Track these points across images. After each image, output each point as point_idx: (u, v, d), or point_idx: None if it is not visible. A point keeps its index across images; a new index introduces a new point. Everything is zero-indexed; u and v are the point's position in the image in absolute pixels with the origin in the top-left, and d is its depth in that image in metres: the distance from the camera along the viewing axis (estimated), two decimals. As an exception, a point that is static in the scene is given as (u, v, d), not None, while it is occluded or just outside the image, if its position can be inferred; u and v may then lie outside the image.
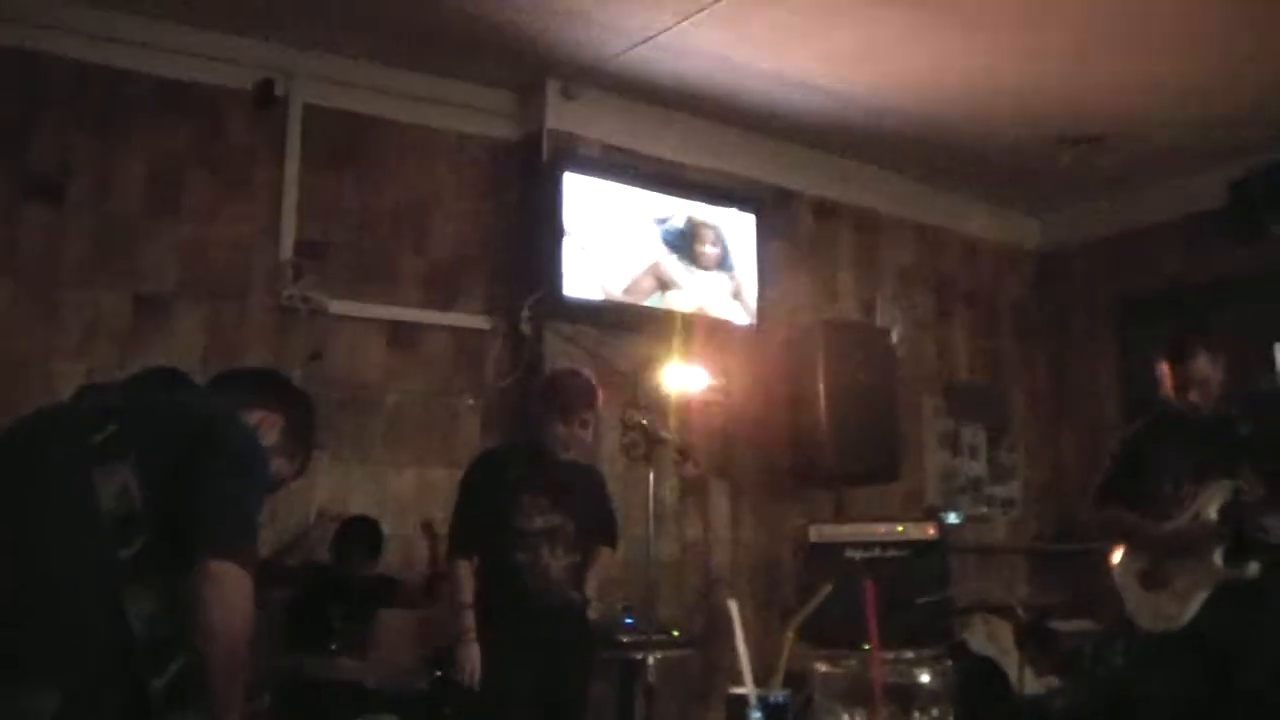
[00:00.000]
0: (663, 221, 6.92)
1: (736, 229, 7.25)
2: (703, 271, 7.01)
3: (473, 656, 4.83)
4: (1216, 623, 4.73)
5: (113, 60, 5.92)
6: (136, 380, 2.76)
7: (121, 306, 5.79)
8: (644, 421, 5.31)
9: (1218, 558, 4.76)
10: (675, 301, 6.83)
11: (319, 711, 4.86)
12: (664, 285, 6.83)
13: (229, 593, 2.31)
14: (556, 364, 6.58)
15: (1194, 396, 4.98)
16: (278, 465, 2.79)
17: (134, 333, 5.80)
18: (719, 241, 7.11)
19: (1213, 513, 4.82)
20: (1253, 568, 4.72)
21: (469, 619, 4.85)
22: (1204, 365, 4.99)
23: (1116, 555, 5.15)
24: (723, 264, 7.11)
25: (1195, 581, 4.80)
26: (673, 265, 6.89)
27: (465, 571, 4.91)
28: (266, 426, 2.76)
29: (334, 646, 5.32)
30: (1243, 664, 4.67)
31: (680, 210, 7.01)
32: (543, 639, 4.89)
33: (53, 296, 5.64)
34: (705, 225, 7.07)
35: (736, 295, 7.17)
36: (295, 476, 2.93)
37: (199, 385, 2.78)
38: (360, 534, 5.77)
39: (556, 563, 4.99)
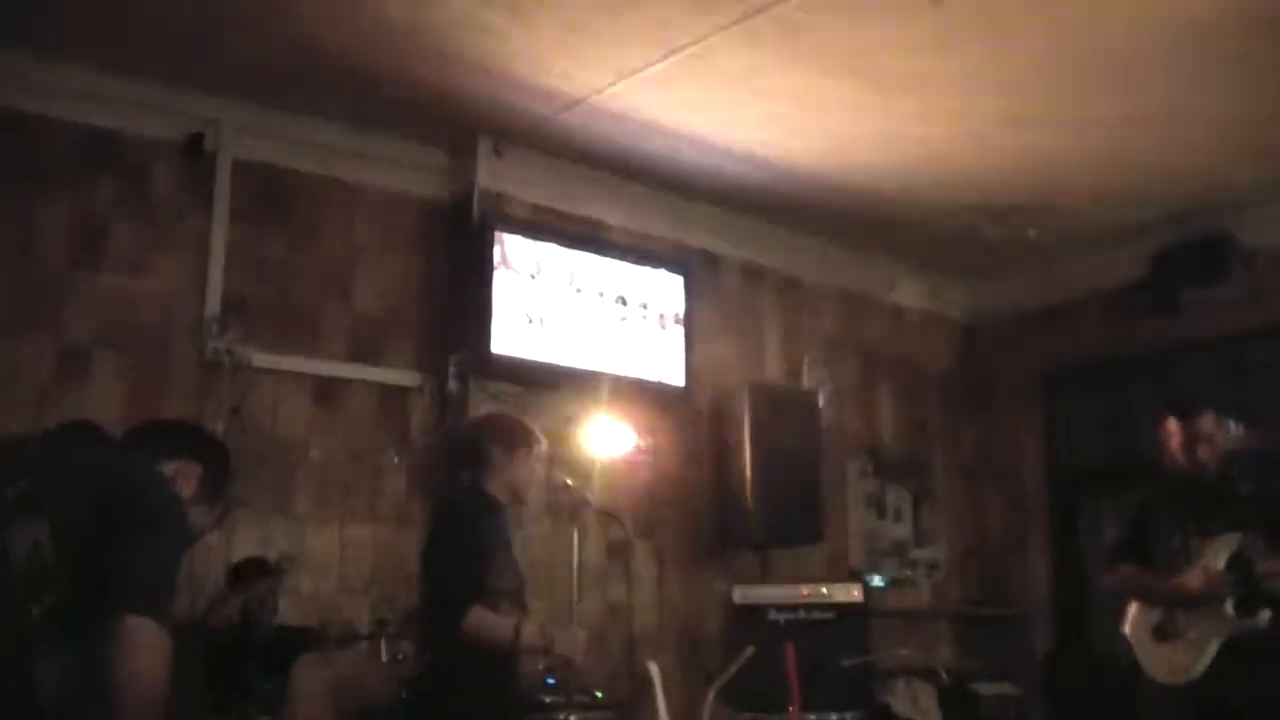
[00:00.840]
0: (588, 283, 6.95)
1: (663, 291, 7.28)
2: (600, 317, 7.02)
3: (580, 636, 4.66)
4: (1229, 673, 4.79)
5: (34, 108, 5.85)
6: (51, 435, 2.72)
7: (42, 357, 5.70)
8: (570, 482, 5.28)
9: (1229, 608, 4.83)
10: (600, 361, 6.83)
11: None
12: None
13: (141, 649, 2.27)
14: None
15: (1201, 454, 5.09)
16: (196, 515, 2.76)
17: (54, 384, 5.70)
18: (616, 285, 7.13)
19: (1221, 563, 4.90)
20: (1264, 616, 4.78)
21: (529, 627, 4.53)
22: (1210, 423, 5.11)
23: (1130, 612, 5.22)
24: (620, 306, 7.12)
25: (1207, 632, 4.87)
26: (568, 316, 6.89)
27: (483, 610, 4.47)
28: (183, 478, 2.73)
29: (253, 709, 5.22)
30: (1252, 716, 4.75)
31: (607, 271, 7.04)
32: (515, 705, 4.77)
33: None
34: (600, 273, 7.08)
35: (663, 356, 7.18)
36: (214, 527, 2.90)
37: (114, 438, 2.74)
38: (252, 563, 5.66)
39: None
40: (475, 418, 5.06)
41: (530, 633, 4.48)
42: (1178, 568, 5.01)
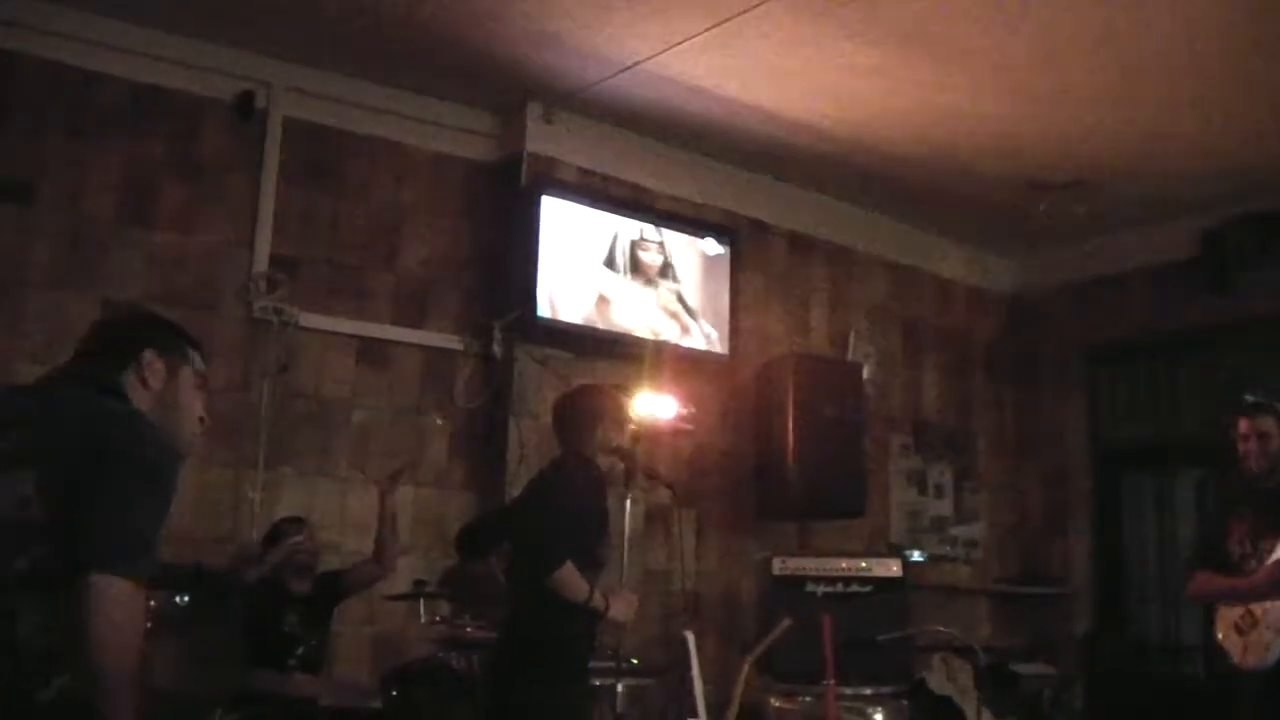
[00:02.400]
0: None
1: (710, 259, 7.26)
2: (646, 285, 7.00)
3: (633, 601, 4.75)
4: None
5: (88, 63, 5.89)
6: (48, 381, 2.70)
7: (88, 312, 5.70)
8: (620, 446, 5.26)
9: None
10: (645, 328, 6.82)
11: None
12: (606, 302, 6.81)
13: (114, 609, 2.22)
14: (527, 387, 6.58)
15: (1267, 452, 5.21)
16: (185, 379, 2.72)
17: (100, 340, 5.74)
18: (661, 252, 7.11)
19: None
20: None
21: (598, 594, 4.61)
22: (1271, 423, 5.24)
23: (1219, 619, 5.31)
24: (665, 274, 7.10)
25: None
26: (615, 283, 6.88)
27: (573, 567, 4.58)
28: (150, 373, 2.68)
29: (293, 662, 5.27)
30: None
31: (654, 238, 7.03)
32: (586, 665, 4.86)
33: (18, 298, 5.59)
34: (646, 240, 7.06)
35: (707, 324, 7.17)
36: (203, 386, 2.82)
37: (109, 384, 2.67)
38: (288, 520, 5.70)
39: None
40: (585, 387, 5.13)
41: (597, 597, 4.58)
42: (1248, 567, 5.12)
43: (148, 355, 2.67)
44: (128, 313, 2.81)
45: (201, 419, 2.76)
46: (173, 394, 2.69)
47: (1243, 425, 5.26)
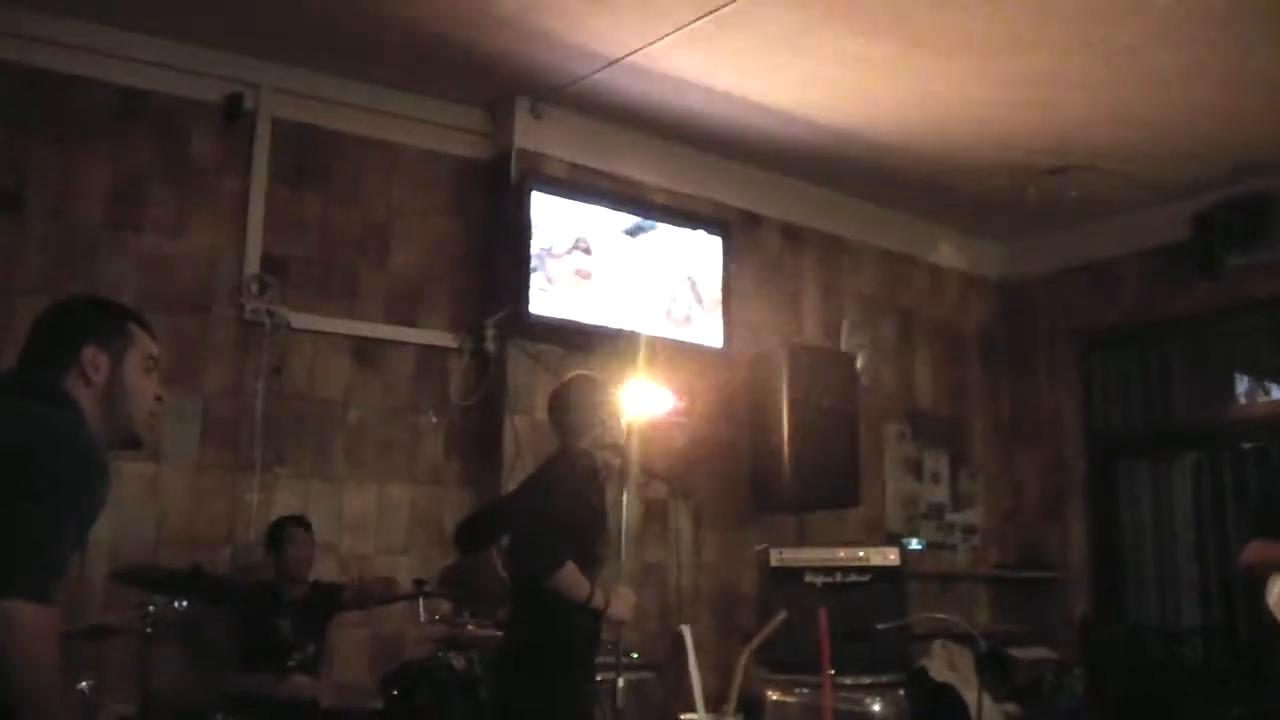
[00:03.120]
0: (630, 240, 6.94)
1: (701, 252, 7.26)
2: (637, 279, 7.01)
3: (631, 597, 4.75)
4: None
5: (73, 68, 5.86)
6: None
7: (81, 319, 5.73)
8: (617, 441, 5.26)
9: None
10: (638, 322, 6.82)
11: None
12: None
13: (23, 634, 2.22)
14: (521, 383, 6.58)
15: None
16: (131, 363, 2.69)
17: (94, 344, 5.73)
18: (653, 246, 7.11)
19: None
20: None
21: (598, 592, 4.62)
22: None
23: (1274, 586, 5.23)
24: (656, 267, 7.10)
25: None
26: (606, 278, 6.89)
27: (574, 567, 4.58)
28: (92, 368, 2.66)
29: (291, 663, 5.28)
30: None
31: (645, 232, 7.03)
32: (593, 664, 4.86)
33: (8, 307, 5.54)
34: (638, 234, 7.06)
35: (701, 318, 7.18)
36: (154, 339, 2.78)
37: (44, 388, 2.64)
38: (291, 519, 5.70)
39: None
40: (579, 378, 5.10)
41: (598, 595, 4.59)
42: None
43: (87, 351, 2.64)
44: (66, 303, 2.76)
45: (159, 398, 2.74)
46: (119, 382, 2.66)
47: None
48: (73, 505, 2.40)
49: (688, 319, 7.14)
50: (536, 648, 4.59)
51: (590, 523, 4.74)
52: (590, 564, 4.68)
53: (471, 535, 5.67)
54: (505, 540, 5.20)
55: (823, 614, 3.09)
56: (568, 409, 4.86)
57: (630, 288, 6.91)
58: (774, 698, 2.92)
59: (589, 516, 4.73)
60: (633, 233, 6.98)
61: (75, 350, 2.63)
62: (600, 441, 4.87)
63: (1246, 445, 7.86)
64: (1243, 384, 8.12)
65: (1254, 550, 5.31)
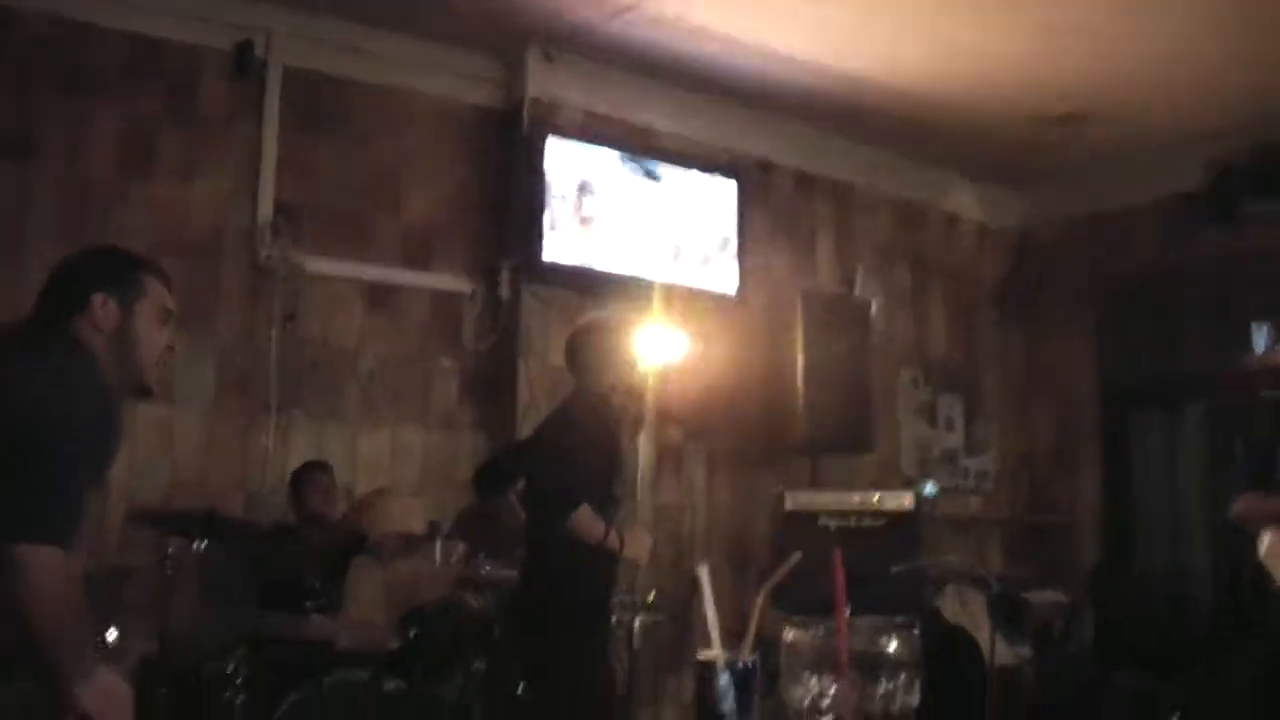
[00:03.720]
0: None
1: (716, 198, 7.24)
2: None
3: (647, 539, 4.82)
4: None
5: (82, 15, 5.82)
6: None
7: (96, 265, 5.74)
8: (631, 385, 5.27)
9: None
10: (653, 268, 6.82)
11: (289, 671, 4.85)
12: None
13: (38, 577, 2.28)
14: (534, 328, 6.59)
15: None
16: (143, 313, 2.70)
17: (106, 293, 5.74)
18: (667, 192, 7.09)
19: None
20: None
21: (613, 533, 4.66)
22: None
23: (1265, 538, 5.23)
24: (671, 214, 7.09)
25: None
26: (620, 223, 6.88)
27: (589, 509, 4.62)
28: (102, 315, 2.68)
29: (309, 605, 5.32)
30: None
31: (659, 178, 7.02)
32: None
33: (20, 255, 5.54)
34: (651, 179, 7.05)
35: (715, 264, 7.17)
36: (169, 289, 2.81)
37: (54, 336, 2.65)
38: (314, 465, 5.74)
39: None
40: (596, 322, 5.10)
41: (613, 537, 4.65)
42: None
43: (97, 298, 2.67)
44: (79, 253, 2.79)
45: (170, 348, 2.77)
46: (130, 331, 2.69)
47: None
48: (85, 450, 2.44)
49: (703, 265, 7.12)
50: (552, 590, 4.62)
51: (605, 465, 4.76)
52: (605, 506, 4.70)
53: (490, 480, 5.69)
54: (522, 483, 5.23)
55: (837, 555, 3.09)
56: (584, 353, 4.87)
57: (644, 234, 6.90)
58: (790, 637, 2.94)
59: (603, 459, 4.76)
60: (646, 178, 6.96)
61: (85, 297, 2.67)
62: (617, 385, 4.88)
63: (1266, 393, 7.82)
64: (1259, 333, 8.08)
65: (1246, 502, 5.33)
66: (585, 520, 4.54)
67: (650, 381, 6.33)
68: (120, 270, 2.78)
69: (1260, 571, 5.21)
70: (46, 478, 2.35)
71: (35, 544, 2.29)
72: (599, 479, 4.71)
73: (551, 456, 4.76)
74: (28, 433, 2.36)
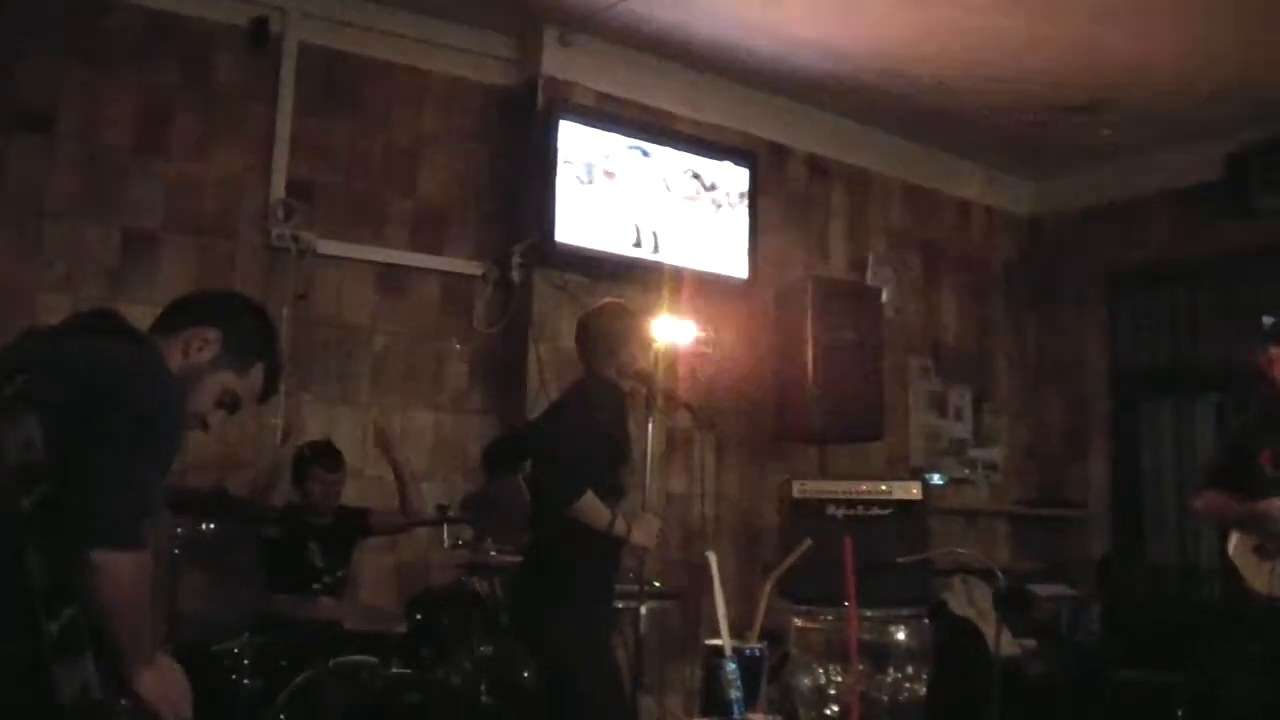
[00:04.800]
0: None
1: (729, 182, 7.22)
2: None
3: (655, 524, 4.79)
4: None
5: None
6: (65, 326, 2.70)
7: (109, 241, 5.75)
8: (642, 369, 5.25)
9: None
10: (664, 252, 6.80)
11: (297, 652, 4.86)
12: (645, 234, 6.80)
13: (116, 581, 2.30)
14: (545, 312, 6.58)
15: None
16: (225, 381, 2.72)
17: (121, 267, 5.76)
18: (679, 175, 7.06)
19: None
20: None
21: (620, 520, 4.64)
22: None
23: (1233, 537, 5.31)
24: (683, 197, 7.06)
25: None
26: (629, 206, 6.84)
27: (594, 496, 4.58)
28: (198, 345, 2.69)
29: (318, 586, 5.33)
30: None
31: (673, 162, 6.99)
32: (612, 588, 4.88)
33: (38, 228, 5.59)
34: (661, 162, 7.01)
35: (727, 248, 7.15)
36: (259, 395, 2.82)
37: (131, 328, 2.68)
38: (320, 453, 5.73)
39: None
40: (609, 305, 5.06)
41: (619, 523, 4.62)
42: (1276, 492, 5.08)
43: (206, 332, 2.69)
44: (234, 295, 2.86)
45: (205, 426, 2.76)
46: (202, 380, 2.70)
47: (1275, 351, 5.24)
48: (157, 441, 2.45)
49: (715, 249, 7.10)
50: (556, 571, 4.62)
51: (611, 451, 4.75)
52: (611, 492, 4.69)
53: (498, 459, 5.69)
54: (529, 465, 5.22)
55: (848, 543, 3.09)
56: (593, 337, 4.85)
57: (656, 217, 6.87)
58: (799, 625, 2.95)
59: (609, 445, 4.74)
60: (660, 161, 6.93)
61: (198, 324, 2.70)
62: (626, 370, 4.87)
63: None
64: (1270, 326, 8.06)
65: (1207, 501, 5.39)
66: (590, 507, 4.53)
67: (661, 366, 6.33)
68: (250, 335, 2.80)
69: (1231, 568, 5.27)
70: (122, 476, 2.35)
71: (116, 550, 2.31)
72: (605, 465, 4.69)
73: (557, 441, 4.74)
74: (101, 427, 2.36)
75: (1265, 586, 5.13)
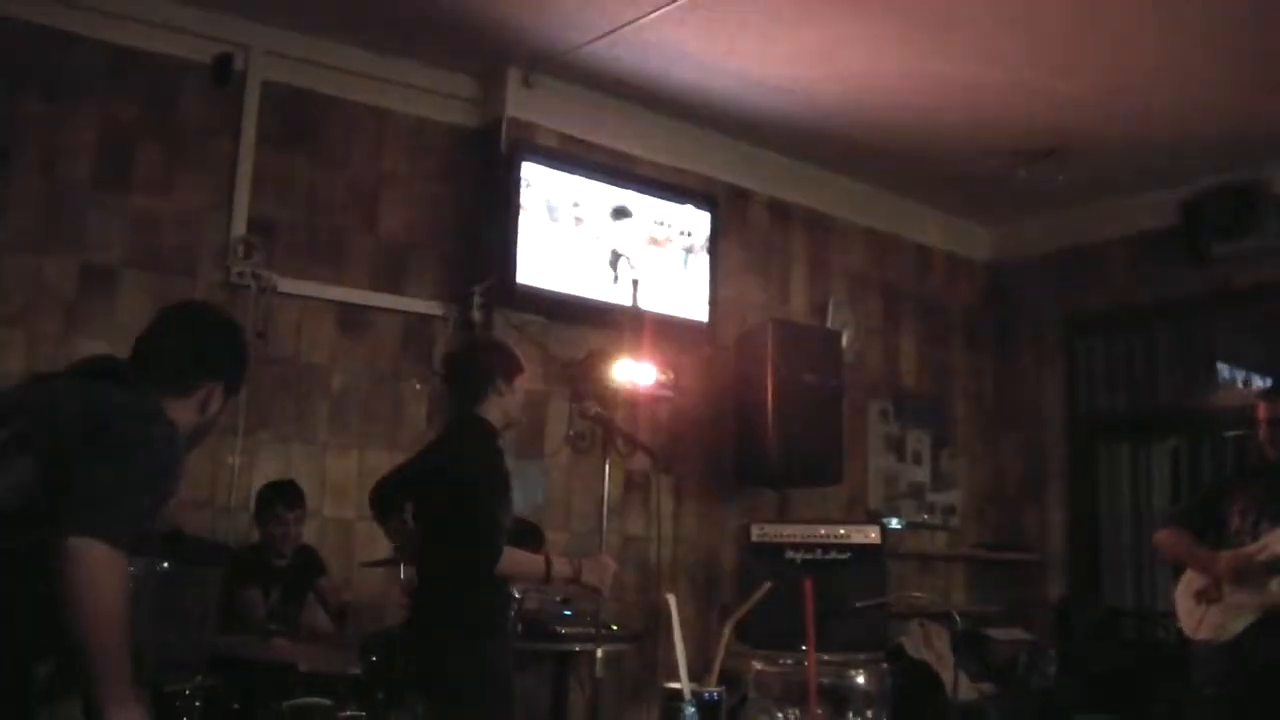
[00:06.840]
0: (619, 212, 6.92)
1: (690, 226, 7.25)
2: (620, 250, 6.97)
3: (609, 565, 4.64)
4: (1263, 639, 5.05)
5: (63, 24, 5.81)
6: (59, 374, 2.70)
7: (66, 275, 5.72)
8: (600, 411, 5.20)
9: (1275, 585, 5.05)
10: (625, 295, 6.81)
11: (251, 693, 4.81)
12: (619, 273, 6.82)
13: (91, 572, 2.22)
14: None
15: (1266, 434, 5.32)
16: (204, 430, 2.77)
17: (79, 302, 5.72)
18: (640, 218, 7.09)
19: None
20: None
21: (557, 560, 4.54)
22: None
23: (1183, 578, 5.45)
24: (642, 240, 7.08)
25: (1247, 601, 5.11)
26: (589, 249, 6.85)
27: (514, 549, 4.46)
28: (215, 404, 2.72)
29: (272, 627, 5.28)
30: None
31: (634, 204, 7.01)
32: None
33: (-5, 261, 5.56)
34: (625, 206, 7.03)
35: (687, 291, 7.17)
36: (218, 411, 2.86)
37: (130, 374, 2.67)
38: (280, 494, 5.69)
39: None
40: (479, 341, 4.93)
41: (559, 566, 4.52)
42: (1238, 543, 5.21)
43: (219, 386, 2.78)
44: (237, 334, 2.92)
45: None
46: (206, 431, 2.84)
47: (1261, 410, 5.36)
48: (154, 469, 2.46)
49: (675, 293, 7.11)
50: (455, 612, 4.48)
51: (504, 497, 4.55)
52: (526, 537, 4.57)
53: (388, 500, 5.36)
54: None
55: (808, 585, 3.08)
56: (465, 375, 4.69)
57: (617, 260, 6.88)
58: (758, 668, 2.93)
59: (504, 495, 4.54)
60: (621, 204, 6.95)
61: (211, 380, 2.79)
62: (506, 411, 4.66)
63: (1228, 434, 7.87)
64: (1225, 373, 8.15)
65: (1168, 537, 5.55)
66: (517, 562, 4.40)
67: (620, 409, 6.33)
68: (238, 368, 2.90)
69: (1172, 609, 5.46)
70: (109, 482, 2.34)
71: (93, 539, 2.24)
72: (506, 513, 4.51)
73: (462, 501, 4.45)
74: (97, 445, 2.37)
75: (1192, 630, 5.29)
